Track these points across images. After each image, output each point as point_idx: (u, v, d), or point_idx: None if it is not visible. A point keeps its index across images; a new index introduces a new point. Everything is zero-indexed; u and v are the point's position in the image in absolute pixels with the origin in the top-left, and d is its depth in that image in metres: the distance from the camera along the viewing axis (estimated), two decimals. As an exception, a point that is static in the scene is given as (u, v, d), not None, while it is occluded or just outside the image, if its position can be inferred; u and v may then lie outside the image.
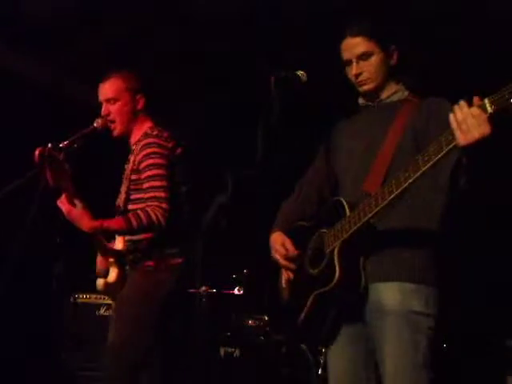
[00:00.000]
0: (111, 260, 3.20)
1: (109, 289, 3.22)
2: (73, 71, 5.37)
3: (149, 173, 3.08)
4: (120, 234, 3.14)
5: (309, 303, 2.39)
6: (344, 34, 2.50)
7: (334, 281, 2.27)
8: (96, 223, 3.01)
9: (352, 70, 2.48)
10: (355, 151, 2.51)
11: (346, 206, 2.36)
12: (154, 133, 3.17)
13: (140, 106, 3.26)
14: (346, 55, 2.50)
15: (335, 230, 2.37)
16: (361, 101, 2.61)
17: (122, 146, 3.37)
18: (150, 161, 3.09)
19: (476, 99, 1.98)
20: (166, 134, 3.18)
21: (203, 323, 4.22)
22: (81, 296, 4.57)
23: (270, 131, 2.24)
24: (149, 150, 3.10)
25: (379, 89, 2.50)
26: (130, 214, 3.04)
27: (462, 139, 1.97)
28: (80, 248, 4.21)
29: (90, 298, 4.55)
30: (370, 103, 2.56)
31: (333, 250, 2.34)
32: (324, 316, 2.41)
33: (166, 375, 3.14)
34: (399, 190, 2.16)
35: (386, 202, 2.20)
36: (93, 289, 3.33)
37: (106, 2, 4.61)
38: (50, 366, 4.53)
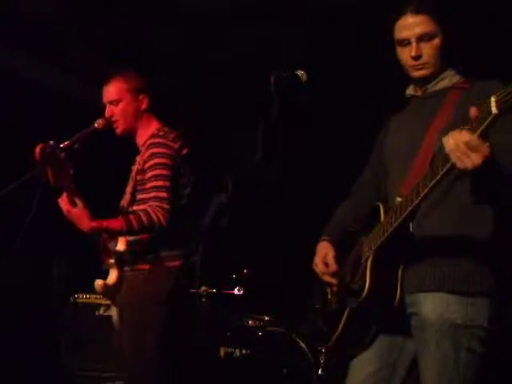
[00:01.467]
0: (111, 261, 3.19)
1: (107, 290, 3.20)
2: (73, 71, 5.37)
3: (152, 172, 3.07)
4: (120, 235, 3.13)
5: (343, 318, 2.27)
6: (402, 10, 2.26)
7: (364, 294, 2.13)
8: (95, 223, 3.00)
9: (411, 51, 2.23)
10: (397, 149, 2.34)
11: (382, 212, 2.23)
12: (161, 133, 3.16)
13: (144, 105, 3.26)
14: (403, 34, 2.25)
15: (371, 238, 2.23)
16: (408, 91, 2.40)
17: (124, 146, 3.37)
18: (156, 160, 3.08)
19: (473, 111, 1.83)
20: (172, 135, 3.17)
21: (203, 323, 4.22)
22: (81, 296, 4.56)
23: (270, 131, 2.24)
24: (154, 150, 3.10)
25: (434, 76, 2.28)
26: (131, 215, 3.03)
27: (458, 165, 1.85)
28: (80, 248, 4.22)
29: (89, 298, 4.54)
30: (416, 93, 2.35)
31: (367, 260, 2.19)
32: (360, 332, 2.27)
33: (166, 375, 3.14)
34: (420, 197, 2.02)
35: (411, 207, 2.06)
36: (93, 289, 3.33)
37: (106, 2, 4.61)
38: (49, 365, 4.53)
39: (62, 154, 2.95)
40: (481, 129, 1.80)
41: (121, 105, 3.24)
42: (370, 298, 2.14)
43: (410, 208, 2.07)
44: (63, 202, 3.02)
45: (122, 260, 3.17)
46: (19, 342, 4.72)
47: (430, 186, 1.99)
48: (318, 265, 2.42)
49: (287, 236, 5.36)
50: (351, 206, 2.56)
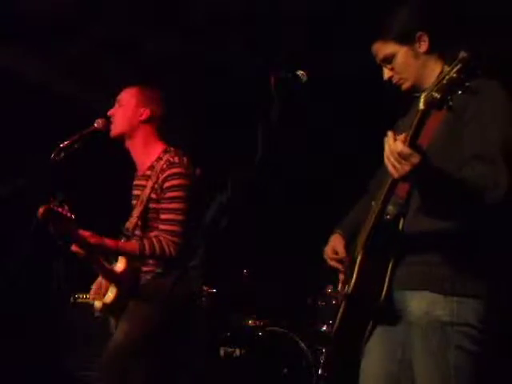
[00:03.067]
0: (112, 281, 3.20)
1: (107, 310, 3.21)
2: (73, 71, 5.37)
3: (171, 205, 3.09)
4: (130, 258, 3.15)
5: (340, 311, 2.29)
6: None
7: (350, 288, 2.17)
8: (111, 244, 3.07)
9: (384, 76, 2.36)
10: None
11: (374, 206, 2.25)
12: (176, 160, 3.14)
13: (142, 117, 3.24)
14: (377, 61, 2.38)
15: (362, 235, 2.27)
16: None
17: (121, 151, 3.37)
18: (175, 193, 3.09)
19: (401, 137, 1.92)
20: (186, 159, 3.18)
21: (203, 323, 4.22)
22: (81, 296, 4.56)
23: (270, 131, 2.24)
24: (174, 182, 3.09)
25: (419, 81, 2.31)
26: (145, 241, 3.07)
27: (391, 172, 1.94)
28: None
29: (90, 298, 4.54)
30: (417, 94, 2.32)
31: (358, 256, 2.22)
32: (357, 326, 2.28)
33: (166, 375, 3.14)
34: (383, 195, 2.10)
35: (380, 207, 2.12)
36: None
37: (106, 2, 4.61)
38: (50, 365, 4.53)
39: (65, 207, 2.95)
40: (410, 134, 1.90)
41: (122, 108, 3.25)
42: (356, 293, 2.16)
43: (380, 207, 2.14)
44: (77, 249, 3.09)
45: (120, 281, 3.17)
46: (19, 342, 4.72)
47: (387, 185, 2.08)
48: (327, 251, 2.50)
49: (287, 236, 5.37)
50: (365, 202, 2.57)
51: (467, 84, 1.78)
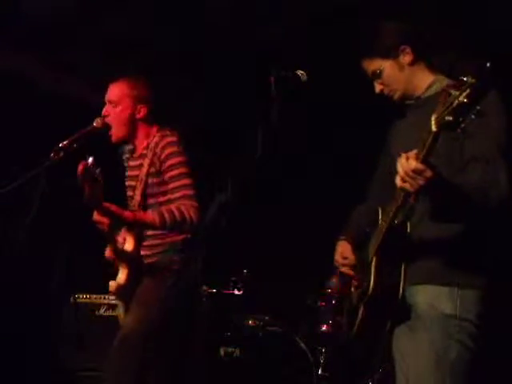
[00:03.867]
0: (122, 262, 3.19)
1: (121, 291, 3.20)
2: (73, 71, 5.37)
3: (175, 172, 3.07)
4: (151, 229, 3.11)
5: (359, 315, 2.37)
6: None
7: (370, 290, 2.26)
8: (130, 215, 3.01)
9: (375, 90, 2.49)
10: (396, 154, 2.34)
11: (380, 214, 2.37)
12: (169, 133, 3.16)
13: (140, 115, 3.25)
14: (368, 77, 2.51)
15: (373, 240, 2.36)
16: (407, 101, 2.54)
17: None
18: (177, 159, 3.08)
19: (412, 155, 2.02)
20: (177, 135, 3.20)
21: (203, 323, 4.21)
22: (81, 296, 4.56)
23: (270, 131, 2.24)
24: (172, 150, 3.10)
25: (409, 91, 2.46)
26: (163, 209, 3.02)
27: (407, 188, 2.05)
28: (80, 248, 4.22)
29: (89, 297, 4.54)
30: (411, 101, 2.50)
31: (372, 260, 2.32)
32: (375, 328, 2.38)
33: (166, 375, 3.14)
34: (400, 200, 2.17)
35: (395, 210, 2.21)
36: (93, 289, 3.33)
37: (106, 2, 4.61)
38: (50, 365, 4.53)
39: (97, 171, 2.90)
40: (423, 154, 1.98)
41: (117, 108, 3.25)
42: (375, 296, 2.26)
43: (394, 210, 2.23)
44: (98, 220, 3.03)
45: (130, 260, 3.17)
46: (19, 342, 4.72)
47: (401, 198, 2.17)
48: (337, 258, 2.58)
49: (287, 236, 5.36)
50: (365, 210, 2.66)
51: (478, 108, 1.82)
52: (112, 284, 3.20)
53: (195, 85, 5.31)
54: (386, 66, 2.43)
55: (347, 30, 2.66)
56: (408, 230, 2.29)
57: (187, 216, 2.97)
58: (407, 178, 2.02)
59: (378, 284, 2.26)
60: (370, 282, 2.26)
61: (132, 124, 3.25)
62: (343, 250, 2.57)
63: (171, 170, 3.07)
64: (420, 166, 1.99)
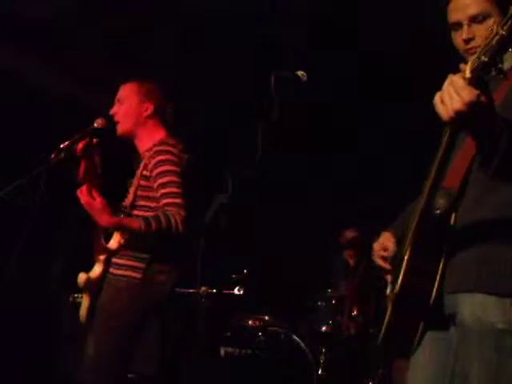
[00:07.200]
0: (101, 257, 3.18)
1: (88, 285, 3.21)
2: (73, 71, 5.37)
3: (164, 179, 3.03)
4: (136, 234, 3.07)
5: (387, 314, 2.08)
6: None
7: (397, 288, 1.98)
8: (115, 219, 2.98)
9: (462, 35, 2.05)
10: (458, 140, 2.07)
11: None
12: (170, 142, 3.14)
13: (147, 112, 3.24)
14: (454, 16, 2.07)
15: (408, 232, 2.07)
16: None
17: (124, 148, 3.37)
18: (166, 167, 3.05)
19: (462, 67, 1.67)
20: (180, 146, 3.15)
21: (203, 323, 4.21)
22: (80, 296, 4.56)
23: (270, 131, 2.24)
24: (161, 157, 3.07)
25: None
26: (150, 216, 2.99)
27: (444, 114, 1.65)
28: (79, 248, 4.22)
29: (89, 297, 4.54)
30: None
31: (405, 255, 2.01)
32: (405, 326, 2.07)
33: (166, 375, 3.14)
34: (430, 187, 1.93)
35: (427, 199, 1.94)
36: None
37: (106, 2, 4.61)
38: (49, 365, 4.53)
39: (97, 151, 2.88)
40: (474, 66, 1.62)
41: (124, 105, 3.25)
42: (403, 292, 1.99)
43: (426, 198, 1.97)
44: (83, 193, 2.94)
45: (110, 258, 3.16)
46: (19, 342, 4.72)
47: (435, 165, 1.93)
48: (376, 247, 2.31)
49: (287, 236, 5.37)
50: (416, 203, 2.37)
51: None
52: (82, 276, 3.19)
53: (195, 85, 5.31)
54: (496, 16, 2.00)
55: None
56: (452, 222, 1.97)
57: (173, 224, 2.93)
58: (444, 95, 1.64)
59: (408, 281, 1.96)
60: (398, 278, 1.98)
61: (138, 120, 3.25)
62: (384, 241, 2.28)
63: (160, 178, 3.05)
64: (460, 81, 1.61)
